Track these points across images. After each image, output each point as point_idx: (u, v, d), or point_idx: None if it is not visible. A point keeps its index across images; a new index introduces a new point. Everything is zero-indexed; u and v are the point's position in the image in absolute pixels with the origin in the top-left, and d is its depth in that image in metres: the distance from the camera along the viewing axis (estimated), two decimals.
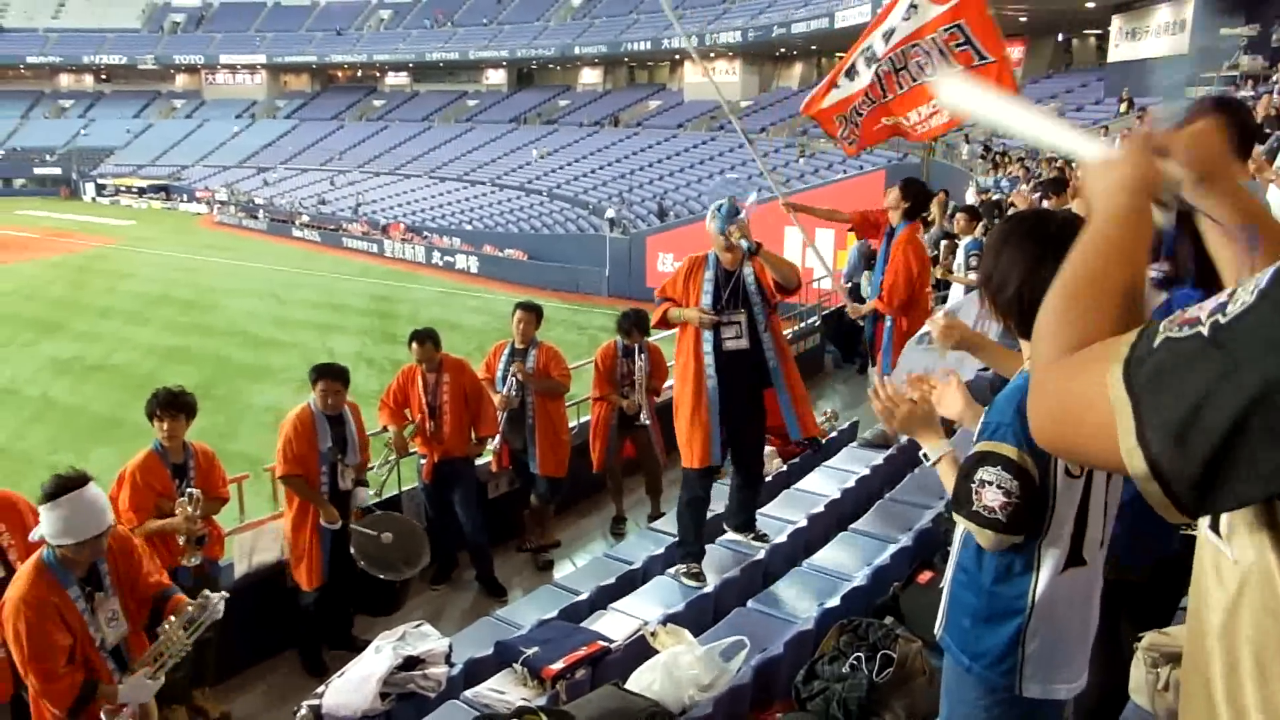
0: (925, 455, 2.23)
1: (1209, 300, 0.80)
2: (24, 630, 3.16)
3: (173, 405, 4.62)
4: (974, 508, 1.94)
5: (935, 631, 2.26)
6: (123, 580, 3.50)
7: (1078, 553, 2.05)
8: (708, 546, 4.95)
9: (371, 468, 5.75)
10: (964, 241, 7.77)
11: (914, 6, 5.65)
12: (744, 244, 4.43)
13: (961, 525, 2.04)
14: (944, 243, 8.55)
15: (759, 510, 5.38)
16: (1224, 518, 0.83)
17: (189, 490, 4.53)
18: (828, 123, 6.34)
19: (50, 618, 3.21)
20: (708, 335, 4.56)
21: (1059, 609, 2.04)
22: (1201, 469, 0.75)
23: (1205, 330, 0.77)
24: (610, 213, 35.77)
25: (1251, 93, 16.81)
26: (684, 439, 4.72)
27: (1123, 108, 22.47)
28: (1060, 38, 33.09)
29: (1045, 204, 7.33)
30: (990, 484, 1.92)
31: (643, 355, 6.53)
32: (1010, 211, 9.04)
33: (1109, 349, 0.85)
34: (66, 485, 3.26)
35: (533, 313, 6.36)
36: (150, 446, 4.65)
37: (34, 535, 3.34)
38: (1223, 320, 0.77)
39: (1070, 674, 2.11)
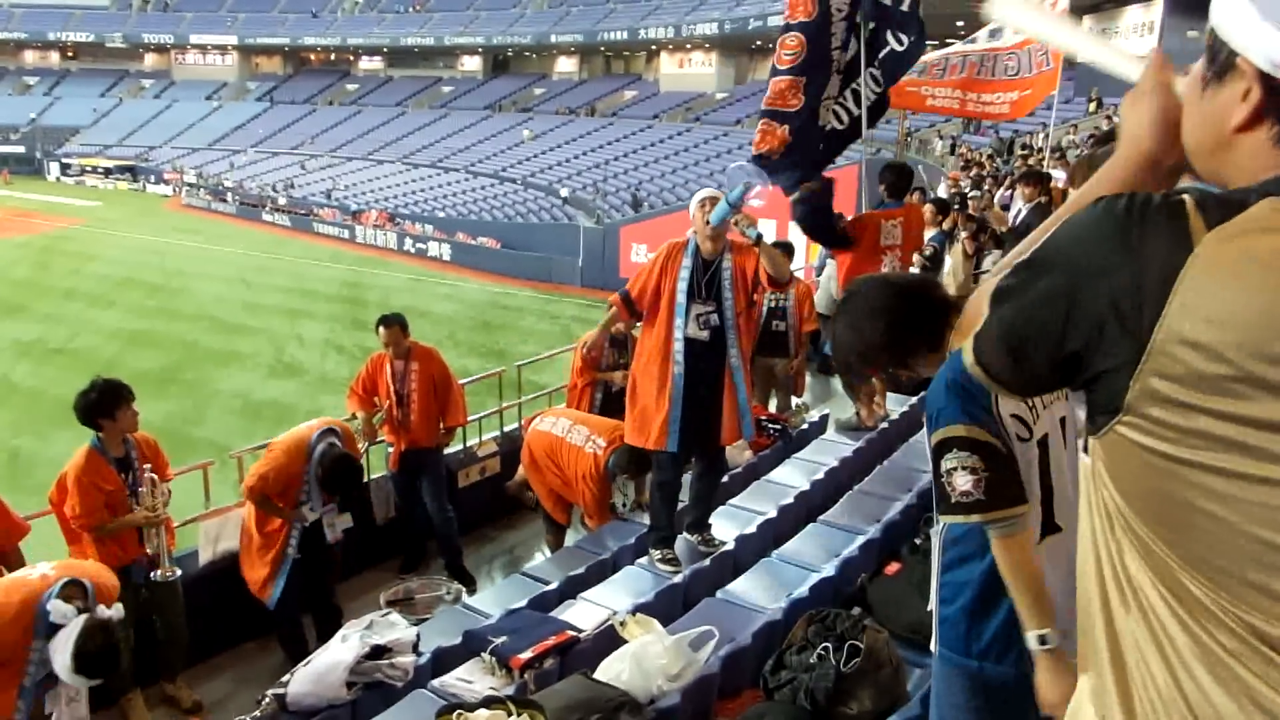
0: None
1: None
2: None
3: (124, 396, 4.41)
4: (953, 500, 1.95)
5: (932, 648, 2.27)
6: None
7: (1050, 518, 2.06)
8: (679, 537, 4.96)
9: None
10: (930, 234, 7.85)
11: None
12: (750, 232, 4.39)
13: (954, 522, 2.01)
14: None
15: (729, 501, 5.41)
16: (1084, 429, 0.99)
17: (147, 475, 4.45)
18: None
19: None
20: (679, 321, 4.52)
21: (1046, 581, 2.03)
22: (1006, 358, 0.98)
23: (1028, 254, 0.97)
24: (564, 192, 35.81)
25: None
26: (640, 418, 4.65)
27: (1091, 107, 22.74)
28: None
29: (1020, 201, 7.42)
30: (955, 469, 1.92)
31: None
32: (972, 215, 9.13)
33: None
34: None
35: None
36: (88, 444, 4.46)
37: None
38: (1037, 247, 0.97)
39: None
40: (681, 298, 4.50)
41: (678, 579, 4.42)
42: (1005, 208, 10.18)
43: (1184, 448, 0.84)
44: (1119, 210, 0.91)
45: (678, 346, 4.53)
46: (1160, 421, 0.85)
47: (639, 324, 4.80)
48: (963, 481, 1.91)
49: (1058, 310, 0.91)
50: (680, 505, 4.97)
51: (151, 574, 4.45)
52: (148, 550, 4.48)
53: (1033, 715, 2.15)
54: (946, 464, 1.93)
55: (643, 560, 4.83)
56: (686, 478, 4.99)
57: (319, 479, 4.90)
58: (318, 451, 4.91)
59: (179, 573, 4.45)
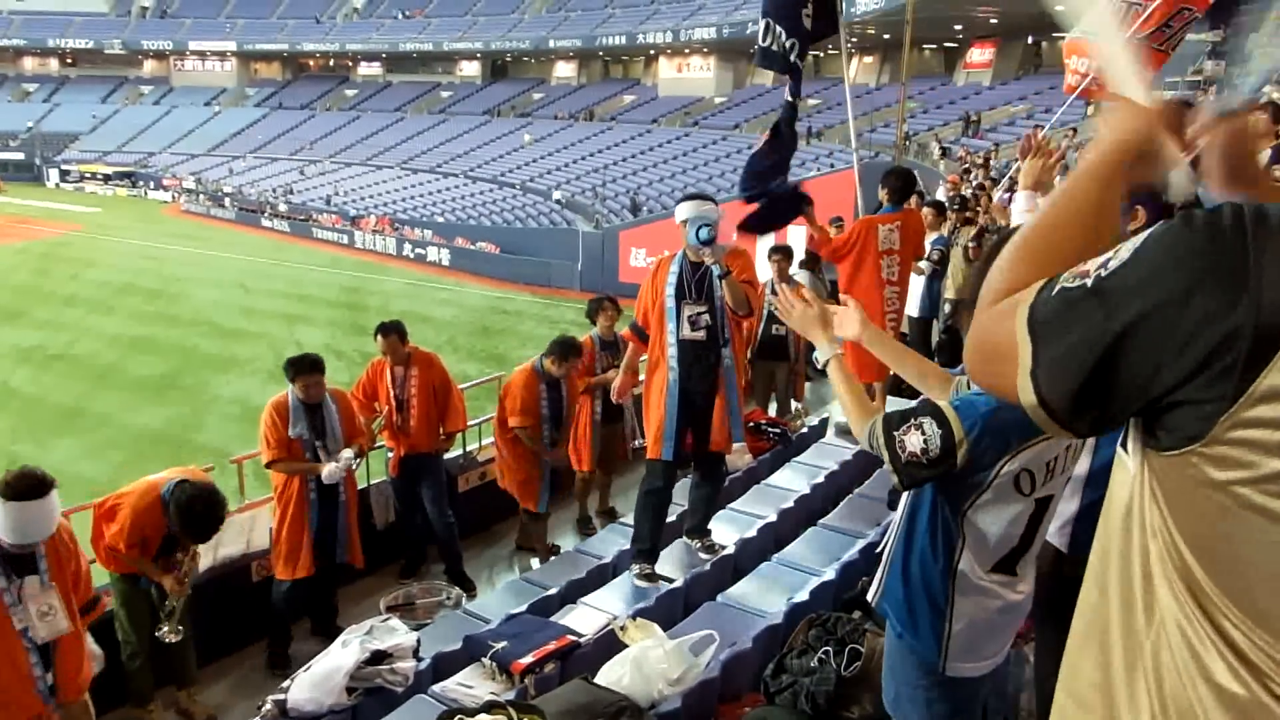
0: (816, 357, 2.30)
1: (1101, 256, 0.89)
2: None
3: (209, 528, 4.38)
4: (895, 431, 2.00)
5: (869, 596, 2.30)
6: (63, 577, 3.54)
7: (1011, 564, 2.10)
8: (677, 540, 4.95)
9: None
10: (930, 238, 7.82)
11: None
12: (715, 269, 4.41)
13: (875, 434, 2.06)
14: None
15: (729, 505, 5.40)
16: (1131, 432, 0.94)
17: (193, 556, 4.50)
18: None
19: None
20: (670, 326, 4.53)
21: (983, 606, 2.10)
22: (1072, 400, 0.88)
23: (1090, 282, 0.88)
24: (557, 194, 35.91)
25: (1214, 98, 17.09)
26: (647, 428, 4.71)
27: (1090, 110, 22.74)
28: (1030, 40, 33.42)
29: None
30: (923, 432, 1.97)
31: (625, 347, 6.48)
32: (975, 211, 9.11)
33: (1025, 295, 0.95)
34: (26, 492, 3.28)
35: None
36: (160, 492, 4.37)
37: None
38: (1104, 274, 0.87)
39: (991, 652, 2.19)
40: (670, 301, 4.52)
41: (678, 583, 4.42)
42: (1005, 208, 10.18)
43: (1257, 492, 0.79)
44: (1224, 227, 0.80)
45: (671, 351, 4.54)
46: (1239, 462, 0.80)
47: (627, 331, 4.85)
48: (912, 442, 1.97)
49: (1150, 351, 0.82)
50: (680, 510, 4.96)
51: (157, 630, 4.48)
52: (162, 611, 4.49)
53: (977, 700, 2.20)
54: (926, 422, 1.98)
55: (627, 571, 4.81)
56: (685, 485, 5.00)
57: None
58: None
59: (182, 632, 4.47)
